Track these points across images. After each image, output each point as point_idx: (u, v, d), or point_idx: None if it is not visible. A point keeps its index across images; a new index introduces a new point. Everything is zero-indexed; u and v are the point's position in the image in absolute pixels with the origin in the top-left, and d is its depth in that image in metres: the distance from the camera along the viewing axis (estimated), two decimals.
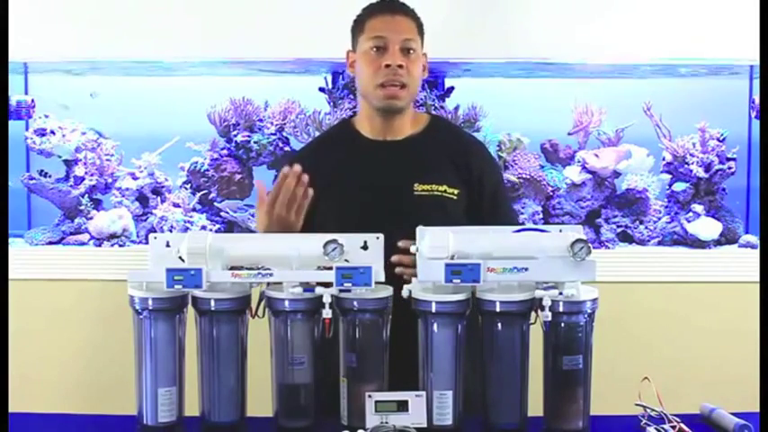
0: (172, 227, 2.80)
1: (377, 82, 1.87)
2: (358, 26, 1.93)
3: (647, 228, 2.90)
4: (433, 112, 2.69)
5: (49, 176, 2.85)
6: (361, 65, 1.90)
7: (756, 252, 2.79)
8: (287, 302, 1.52)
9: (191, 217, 2.86)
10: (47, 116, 2.88)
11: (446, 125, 2.19)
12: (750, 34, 2.38)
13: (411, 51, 1.87)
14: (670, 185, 2.94)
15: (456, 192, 1.90)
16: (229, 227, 2.90)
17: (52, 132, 2.85)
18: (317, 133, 2.73)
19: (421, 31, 1.93)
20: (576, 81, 3.07)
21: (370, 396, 1.50)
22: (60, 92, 3.03)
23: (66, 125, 2.88)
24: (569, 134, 2.92)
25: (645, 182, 2.92)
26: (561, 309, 1.51)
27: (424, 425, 1.50)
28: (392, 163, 1.91)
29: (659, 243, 2.90)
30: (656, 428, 1.58)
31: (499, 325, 1.52)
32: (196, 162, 2.94)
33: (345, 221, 1.75)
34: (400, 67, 1.85)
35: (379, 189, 1.89)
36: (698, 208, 2.85)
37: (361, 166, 1.92)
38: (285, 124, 2.90)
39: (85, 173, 2.87)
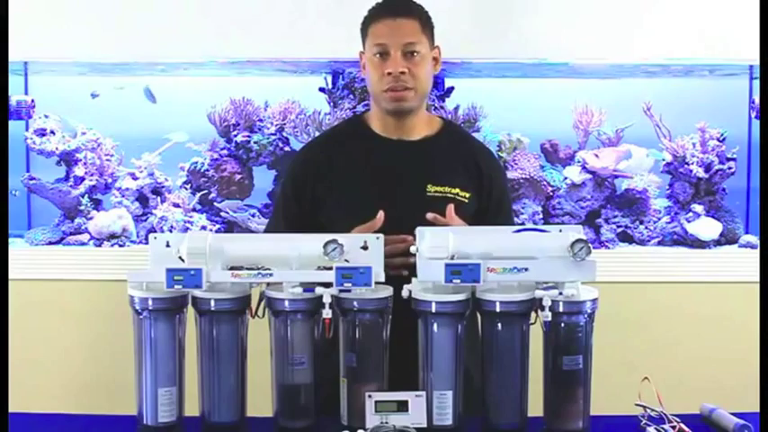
0: (172, 227, 2.80)
1: (382, 88, 1.87)
2: (364, 30, 1.93)
3: (647, 228, 2.90)
4: (434, 113, 2.69)
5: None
6: (369, 70, 1.90)
7: (756, 252, 2.79)
8: (287, 302, 1.52)
9: (191, 217, 2.86)
10: (47, 116, 2.88)
11: (458, 130, 2.20)
12: (750, 34, 2.39)
13: (415, 54, 1.86)
14: (671, 185, 2.94)
15: (467, 195, 1.90)
16: (229, 227, 2.90)
17: (52, 132, 2.85)
18: (317, 133, 2.73)
19: (428, 27, 1.91)
20: (576, 81, 3.07)
21: (370, 396, 1.50)
22: (60, 92, 3.03)
23: (59, 122, 2.89)
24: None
25: (645, 182, 2.92)
26: (561, 309, 1.51)
27: (424, 425, 1.50)
28: (405, 162, 1.91)
29: (659, 243, 2.90)
30: (656, 428, 1.58)
31: (499, 325, 1.52)
32: (196, 162, 2.94)
33: (356, 218, 1.75)
34: (402, 73, 1.85)
35: (391, 188, 1.89)
36: (698, 208, 2.85)
37: (374, 164, 1.92)
38: (285, 124, 2.90)
39: (85, 173, 2.87)
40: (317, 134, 2.68)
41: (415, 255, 1.54)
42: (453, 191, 1.89)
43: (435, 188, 1.89)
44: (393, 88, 1.86)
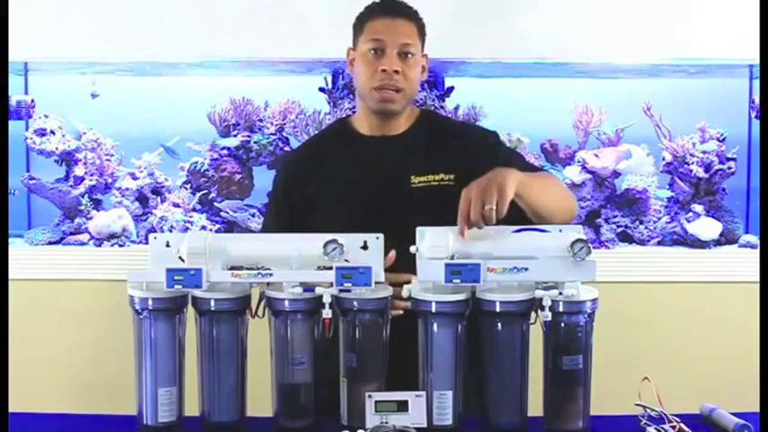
0: (172, 227, 2.80)
1: (372, 85, 1.86)
2: (358, 25, 1.92)
3: (647, 228, 2.90)
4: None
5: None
6: (359, 66, 1.89)
7: (756, 252, 2.80)
8: (287, 302, 1.52)
9: (191, 217, 2.86)
10: (47, 116, 2.88)
11: (433, 115, 2.18)
12: (750, 34, 2.39)
13: (409, 55, 1.86)
14: (671, 185, 2.95)
15: (452, 176, 1.87)
16: (229, 227, 2.90)
17: (52, 132, 2.85)
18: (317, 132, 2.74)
19: (422, 33, 1.91)
20: (576, 81, 3.07)
21: (370, 396, 1.50)
22: (60, 92, 3.04)
23: (63, 123, 2.89)
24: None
25: (645, 182, 2.92)
26: (561, 309, 1.51)
27: (424, 425, 1.50)
28: (387, 158, 1.91)
29: (659, 243, 2.90)
30: (656, 428, 1.58)
31: (499, 325, 1.52)
32: (196, 162, 2.94)
33: (345, 219, 1.75)
34: (396, 72, 1.84)
35: (377, 185, 1.88)
36: (698, 208, 2.85)
37: (358, 163, 1.92)
38: (285, 124, 2.91)
39: (85, 173, 2.87)
40: (313, 134, 2.69)
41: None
42: (437, 178, 1.87)
43: (419, 179, 1.87)
44: (384, 86, 1.85)
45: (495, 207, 1.54)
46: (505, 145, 2.10)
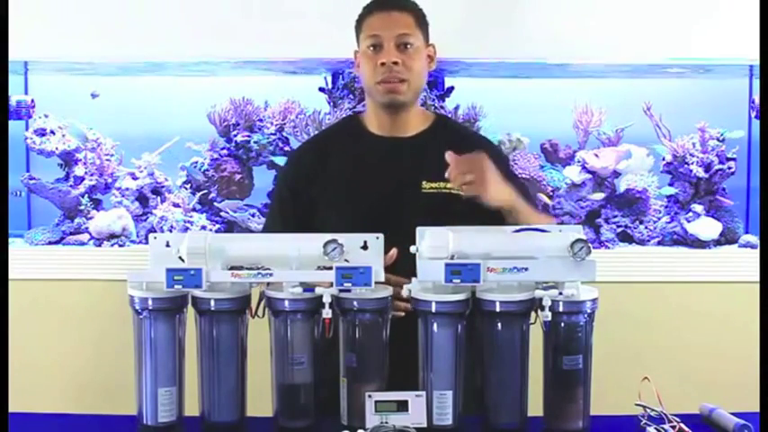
0: (172, 227, 2.80)
1: (375, 80, 1.87)
2: (358, 26, 1.94)
3: (647, 228, 2.90)
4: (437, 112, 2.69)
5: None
6: (362, 64, 1.91)
7: (756, 252, 2.79)
8: (287, 302, 1.52)
9: (191, 217, 2.86)
10: (47, 116, 2.88)
11: (451, 123, 2.19)
12: (750, 34, 2.38)
13: (408, 46, 1.87)
14: (671, 185, 2.94)
15: None
16: (229, 227, 2.90)
17: (52, 132, 2.85)
18: (317, 133, 2.73)
19: (421, 23, 1.92)
20: (576, 81, 3.07)
21: (370, 396, 1.50)
22: (60, 92, 3.03)
23: (67, 125, 2.89)
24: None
25: (645, 182, 2.92)
26: (561, 309, 1.51)
27: (424, 425, 1.50)
28: (399, 160, 1.91)
29: (659, 243, 2.90)
30: (656, 428, 1.58)
31: (499, 325, 1.52)
32: (196, 162, 2.94)
33: (350, 219, 1.75)
34: (396, 63, 1.85)
35: (386, 187, 1.88)
36: (698, 208, 2.85)
37: (368, 163, 1.92)
38: (285, 124, 2.91)
39: (85, 173, 2.87)
40: (313, 134, 2.69)
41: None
42: (448, 186, 1.86)
43: (430, 185, 1.88)
44: (387, 79, 1.85)
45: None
46: (510, 170, 2.10)
